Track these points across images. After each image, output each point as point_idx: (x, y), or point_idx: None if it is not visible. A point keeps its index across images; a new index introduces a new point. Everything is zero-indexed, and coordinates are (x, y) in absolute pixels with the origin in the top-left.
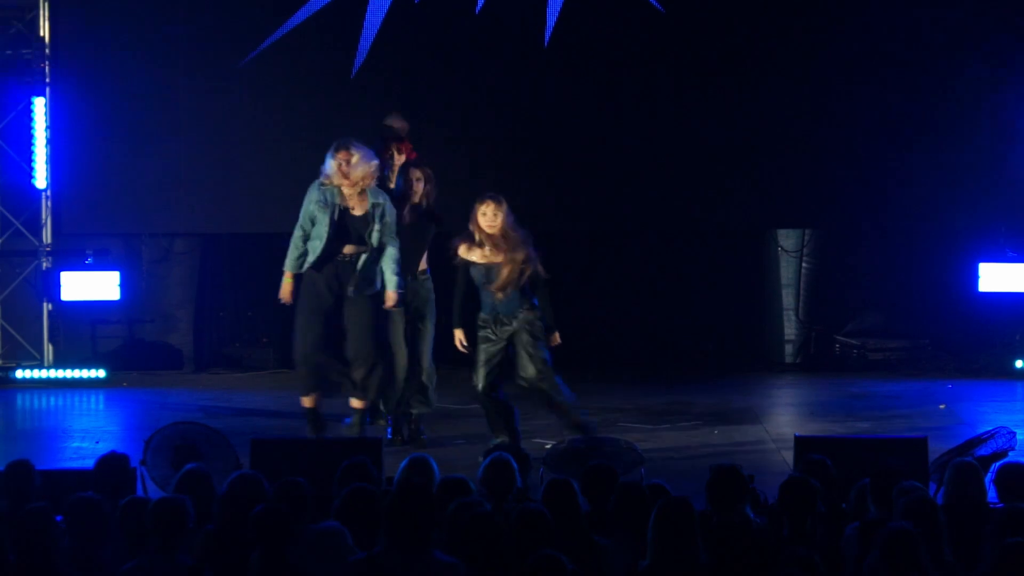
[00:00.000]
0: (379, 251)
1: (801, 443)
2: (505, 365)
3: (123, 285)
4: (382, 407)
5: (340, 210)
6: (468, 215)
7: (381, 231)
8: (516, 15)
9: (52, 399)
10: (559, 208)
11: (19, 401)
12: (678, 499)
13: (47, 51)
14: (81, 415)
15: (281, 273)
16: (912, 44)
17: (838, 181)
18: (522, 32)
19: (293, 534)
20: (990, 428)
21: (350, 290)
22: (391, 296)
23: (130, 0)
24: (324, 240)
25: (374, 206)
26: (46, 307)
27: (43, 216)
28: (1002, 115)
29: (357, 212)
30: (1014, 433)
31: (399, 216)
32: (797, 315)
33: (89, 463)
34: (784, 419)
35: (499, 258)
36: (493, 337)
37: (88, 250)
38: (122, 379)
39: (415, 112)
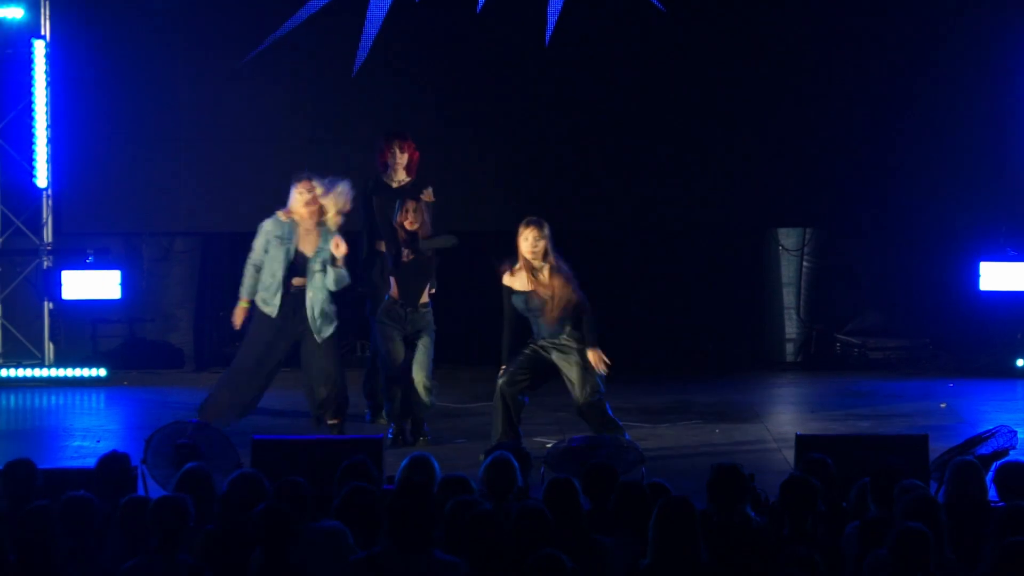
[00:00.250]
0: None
1: (802, 442)
2: (538, 379)
3: (124, 284)
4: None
5: (296, 248)
6: (467, 214)
7: (324, 271)
8: (517, 14)
9: (53, 398)
10: (560, 207)
11: (20, 400)
12: (679, 498)
13: (48, 50)
14: (82, 414)
15: None
16: (913, 44)
17: (839, 180)
18: (523, 31)
19: (294, 534)
20: (991, 427)
21: (316, 337)
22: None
23: None
24: (279, 278)
25: (320, 251)
26: (47, 306)
27: (44, 215)
28: (1003, 114)
29: (308, 251)
30: (1015, 432)
31: (400, 252)
32: (798, 314)
33: (90, 462)
34: (785, 418)
35: (540, 288)
36: (537, 350)
37: (89, 249)
38: (123, 378)
39: (415, 111)
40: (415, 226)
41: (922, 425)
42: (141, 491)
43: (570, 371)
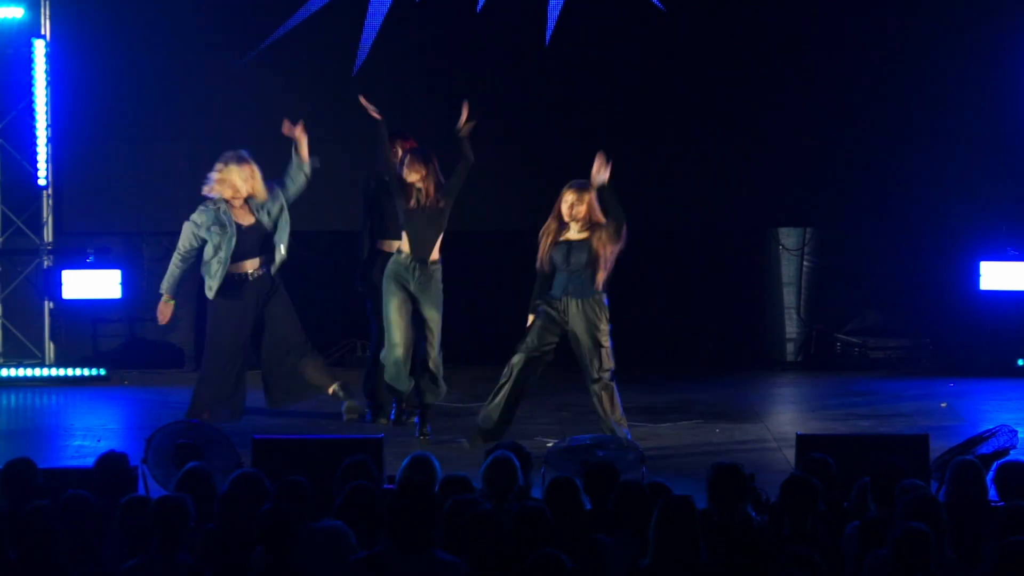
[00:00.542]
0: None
1: (802, 441)
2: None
3: (124, 284)
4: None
5: (237, 227)
6: (467, 214)
7: (279, 226)
8: (517, 14)
9: (53, 397)
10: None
11: (20, 399)
12: (679, 498)
13: (48, 49)
14: (82, 413)
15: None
16: (913, 43)
17: (839, 179)
18: (523, 31)
19: (297, 534)
20: (991, 426)
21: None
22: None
23: None
24: (225, 263)
25: (258, 210)
26: (47, 305)
27: (44, 214)
28: (1003, 113)
29: (247, 223)
30: (1015, 431)
31: (407, 206)
32: (798, 313)
33: (90, 462)
34: (785, 417)
35: (575, 239)
36: (554, 316)
37: (89, 248)
38: (123, 378)
39: (415, 111)
40: (415, 177)
41: (922, 425)
42: (141, 491)
43: (585, 345)
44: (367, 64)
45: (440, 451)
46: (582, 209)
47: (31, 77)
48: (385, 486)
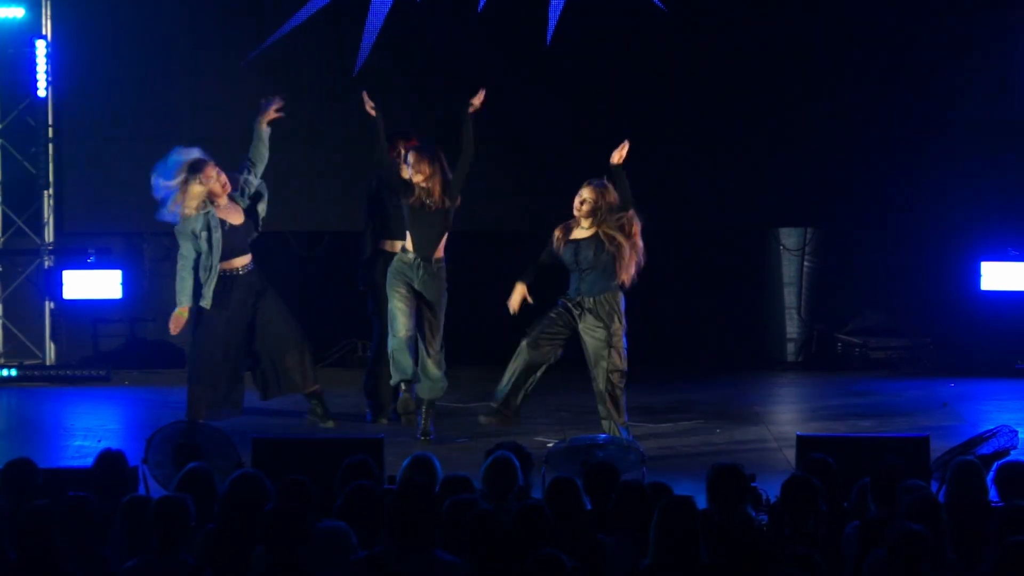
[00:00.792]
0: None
1: (803, 442)
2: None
3: (125, 284)
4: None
5: (223, 225)
6: (467, 213)
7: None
8: (518, 14)
9: (53, 397)
10: (561, 207)
11: (21, 399)
12: (680, 498)
13: (49, 48)
14: (83, 413)
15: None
16: (914, 43)
17: (840, 179)
18: (524, 31)
19: (301, 533)
20: (992, 427)
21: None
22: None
23: None
24: (216, 268)
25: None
26: (48, 306)
27: (45, 214)
28: (1004, 112)
29: (234, 221)
30: (1016, 432)
31: (411, 204)
32: (799, 313)
33: (91, 462)
34: (786, 417)
35: (584, 236)
36: (565, 313)
37: (90, 249)
38: (124, 378)
39: (416, 110)
40: (421, 177)
41: (923, 425)
42: (142, 491)
43: (593, 345)
44: (369, 63)
45: (441, 451)
46: (588, 205)
47: (32, 77)
48: (386, 486)
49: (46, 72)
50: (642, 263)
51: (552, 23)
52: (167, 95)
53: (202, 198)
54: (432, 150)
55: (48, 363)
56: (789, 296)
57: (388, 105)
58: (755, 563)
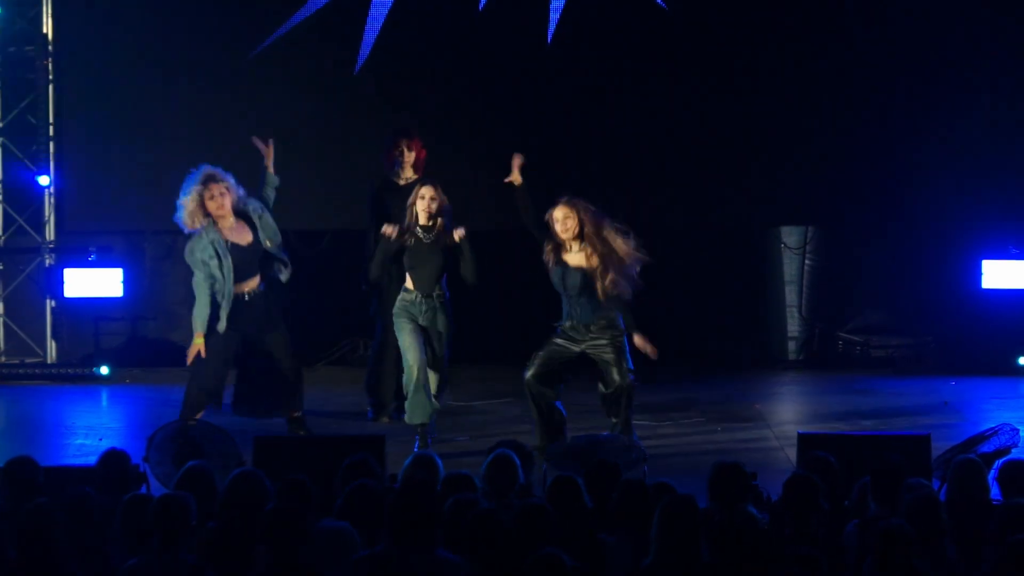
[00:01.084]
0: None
1: (804, 440)
2: (563, 372)
3: (126, 282)
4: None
5: (231, 248)
6: (468, 212)
7: (268, 236)
8: (519, 13)
9: (55, 395)
10: None
11: (22, 397)
12: (681, 497)
13: (50, 48)
14: (84, 412)
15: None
16: (915, 42)
17: (841, 178)
18: (525, 29)
19: (302, 532)
20: (993, 425)
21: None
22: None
23: None
24: (229, 293)
25: (252, 219)
26: (49, 304)
27: (46, 213)
28: (1006, 112)
29: (244, 242)
30: (1017, 430)
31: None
32: (800, 312)
33: (92, 460)
34: (787, 416)
35: (572, 260)
36: (563, 344)
37: (91, 247)
38: (125, 376)
39: (417, 109)
40: (426, 214)
41: (924, 423)
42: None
43: (606, 357)
44: (370, 61)
45: (442, 449)
46: (573, 223)
47: (33, 76)
48: (386, 485)
49: (47, 71)
50: (634, 276)
51: (553, 22)
52: (168, 94)
53: (201, 212)
54: (443, 202)
55: (49, 361)
56: (790, 295)
57: (389, 104)
58: (756, 562)
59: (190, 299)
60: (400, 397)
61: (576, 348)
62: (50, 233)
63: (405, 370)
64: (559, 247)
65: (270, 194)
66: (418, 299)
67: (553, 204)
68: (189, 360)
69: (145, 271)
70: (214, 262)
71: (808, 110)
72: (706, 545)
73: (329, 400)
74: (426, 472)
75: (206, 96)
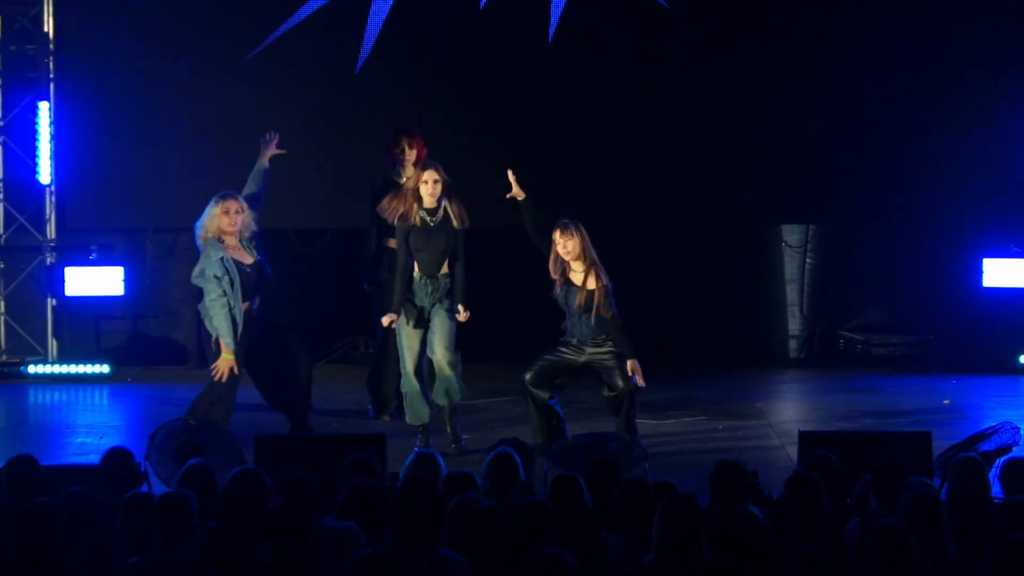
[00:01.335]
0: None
1: (805, 438)
2: (564, 379)
3: (127, 280)
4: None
5: (238, 268)
6: (470, 211)
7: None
8: (520, 11)
9: (56, 394)
10: (563, 203)
11: (23, 396)
12: (682, 496)
13: (51, 47)
14: (85, 410)
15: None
16: (916, 41)
17: (842, 177)
18: (526, 28)
19: (305, 531)
20: (994, 423)
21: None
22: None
23: None
24: (239, 308)
25: (255, 254)
26: (50, 302)
27: (47, 211)
28: (1006, 110)
29: (248, 262)
30: (1018, 428)
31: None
32: (801, 310)
33: (93, 459)
34: (788, 414)
35: (576, 280)
36: (566, 353)
37: (92, 245)
38: (126, 374)
39: (419, 107)
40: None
41: (925, 421)
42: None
43: (608, 364)
44: (371, 60)
45: (443, 447)
46: (574, 244)
47: (34, 75)
48: (388, 483)
49: (47, 70)
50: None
51: (554, 20)
52: (169, 92)
53: (213, 225)
54: (448, 182)
55: (50, 359)
56: (791, 293)
57: (389, 103)
58: (757, 560)
59: (191, 298)
60: (401, 396)
61: (580, 359)
62: (51, 231)
63: (403, 376)
64: (566, 265)
65: (252, 187)
66: (424, 280)
67: (553, 226)
68: (224, 377)
69: (146, 269)
70: (226, 279)
71: (809, 109)
72: (707, 543)
73: (330, 398)
74: (428, 471)
75: (207, 95)
